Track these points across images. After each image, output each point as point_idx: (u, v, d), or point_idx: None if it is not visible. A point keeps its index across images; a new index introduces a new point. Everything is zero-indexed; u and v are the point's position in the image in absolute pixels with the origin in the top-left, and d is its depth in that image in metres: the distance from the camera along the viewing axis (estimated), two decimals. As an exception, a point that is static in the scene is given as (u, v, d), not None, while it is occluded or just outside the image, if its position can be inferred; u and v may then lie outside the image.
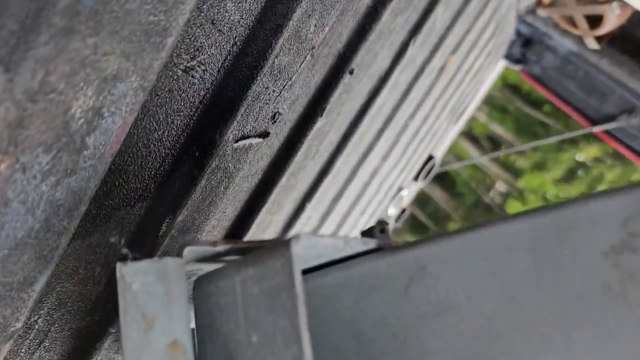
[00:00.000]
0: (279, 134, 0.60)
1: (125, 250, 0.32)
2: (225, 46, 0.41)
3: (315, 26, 0.50)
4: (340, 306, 0.33)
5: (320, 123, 0.67)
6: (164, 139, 0.42)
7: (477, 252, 0.29)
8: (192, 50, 0.38)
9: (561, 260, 0.27)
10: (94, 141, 0.32)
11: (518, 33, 3.01)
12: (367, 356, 0.31)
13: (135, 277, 0.29)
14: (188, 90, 0.41)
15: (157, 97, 0.38)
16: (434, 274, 0.30)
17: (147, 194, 0.45)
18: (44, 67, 0.26)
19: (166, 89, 0.38)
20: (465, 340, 0.28)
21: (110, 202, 0.41)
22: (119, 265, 0.30)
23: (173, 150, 0.44)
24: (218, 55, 0.41)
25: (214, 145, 0.47)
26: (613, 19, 2.32)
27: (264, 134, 0.54)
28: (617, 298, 0.25)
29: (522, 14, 2.79)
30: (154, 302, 0.29)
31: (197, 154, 0.46)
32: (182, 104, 0.41)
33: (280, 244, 0.28)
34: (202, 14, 0.37)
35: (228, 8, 0.38)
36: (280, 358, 0.26)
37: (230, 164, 0.51)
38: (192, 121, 0.44)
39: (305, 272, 0.35)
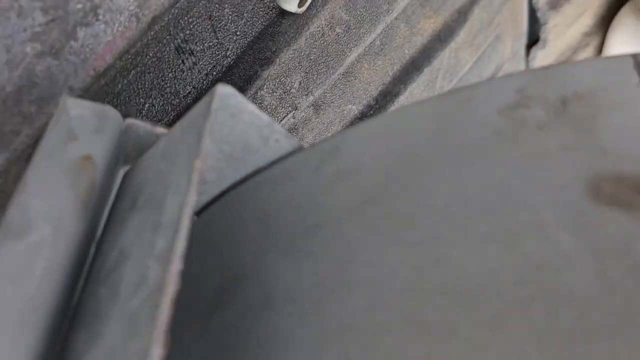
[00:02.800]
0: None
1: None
2: (216, 51, 0.50)
3: (300, 84, 0.59)
4: (253, 202, 0.33)
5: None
6: (142, 111, 0.48)
7: (386, 127, 0.31)
8: (188, 33, 0.47)
9: (459, 122, 0.29)
10: (83, 38, 0.38)
11: None
12: (274, 235, 0.30)
13: (76, 107, 0.32)
14: (175, 72, 0.48)
15: (147, 57, 0.45)
16: (346, 150, 0.31)
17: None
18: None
19: (156, 54, 0.46)
20: (365, 192, 0.28)
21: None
22: (65, 96, 0.33)
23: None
24: (208, 58, 0.50)
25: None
26: None
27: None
28: (508, 139, 0.27)
29: None
30: (84, 128, 0.31)
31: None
32: (168, 83, 0.48)
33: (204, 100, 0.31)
34: (202, 2, 0.46)
35: (226, 13, 0.48)
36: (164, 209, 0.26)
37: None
38: (173, 110, 0.50)
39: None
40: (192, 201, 0.23)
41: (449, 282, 0.22)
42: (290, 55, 0.55)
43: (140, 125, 0.35)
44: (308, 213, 0.30)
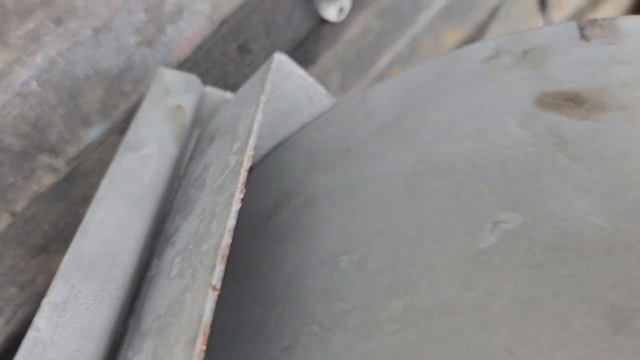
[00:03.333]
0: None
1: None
2: (269, 52, 0.61)
3: (339, 83, 0.69)
4: (300, 144, 0.42)
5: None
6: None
7: (399, 81, 0.41)
8: (248, 35, 0.58)
9: (452, 70, 0.38)
10: (171, 33, 0.50)
11: None
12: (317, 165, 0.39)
13: (169, 74, 0.42)
14: (237, 67, 0.59)
15: (215, 53, 0.57)
16: (370, 99, 0.40)
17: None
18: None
19: (223, 51, 0.57)
20: (383, 122, 0.37)
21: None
22: (160, 66, 0.44)
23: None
24: (262, 57, 0.61)
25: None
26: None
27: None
28: (485, 77, 0.36)
29: None
30: (176, 87, 0.42)
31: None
32: (231, 76, 0.59)
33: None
34: (260, 10, 0.58)
35: (278, 20, 0.60)
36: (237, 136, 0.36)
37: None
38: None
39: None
40: (259, 118, 0.33)
41: (439, 164, 0.31)
42: (329, 58, 0.66)
43: (214, 91, 0.46)
44: (341, 142, 0.39)
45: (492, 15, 0.84)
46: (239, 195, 0.28)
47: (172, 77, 0.42)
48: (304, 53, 0.64)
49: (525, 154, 0.28)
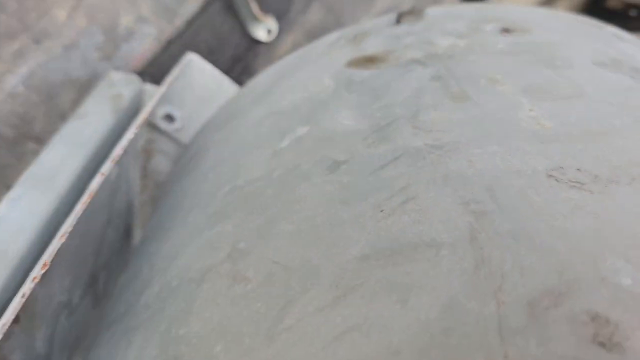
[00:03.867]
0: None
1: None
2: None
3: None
4: (209, 124, 0.57)
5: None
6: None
7: (276, 66, 0.55)
8: (194, 50, 0.74)
9: (307, 53, 0.53)
10: (125, 49, 0.66)
11: None
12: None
13: (115, 74, 0.58)
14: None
15: (163, 68, 0.73)
16: (254, 81, 0.55)
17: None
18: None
19: (168, 68, 0.73)
20: (259, 93, 0.52)
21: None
22: (111, 70, 0.60)
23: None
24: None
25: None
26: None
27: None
28: (327, 54, 0.50)
29: None
30: (119, 82, 0.57)
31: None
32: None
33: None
34: (203, 34, 0.74)
35: (207, 39, 0.76)
36: None
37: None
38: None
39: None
40: (156, 98, 0.48)
41: (278, 109, 0.45)
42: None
43: (151, 87, 0.61)
44: (232, 111, 0.53)
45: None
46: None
47: (117, 76, 0.58)
48: (243, 67, 0.80)
49: (326, 93, 0.42)
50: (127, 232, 0.68)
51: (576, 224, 0.24)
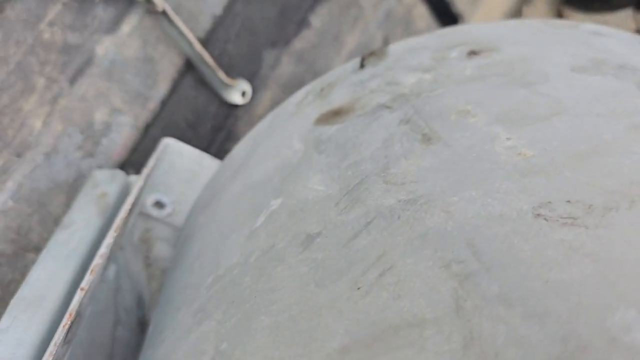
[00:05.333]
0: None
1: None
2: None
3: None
4: (197, 203, 0.55)
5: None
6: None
7: (251, 134, 0.54)
8: (171, 134, 0.74)
9: (278, 116, 0.51)
10: (106, 143, 0.66)
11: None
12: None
13: (99, 173, 0.57)
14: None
15: (145, 155, 0.72)
16: (234, 151, 0.53)
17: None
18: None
19: (148, 155, 0.72)
20: (238, 162, 0.50)
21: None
22: (94, 169, 0.59)
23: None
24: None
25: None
26: None
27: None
28: (295, 114, 0.48)
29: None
30: (103, 180, 0.56)
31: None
32: (170, 165, 0.74)
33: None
34: (178, 118, 0.73)
35: (186, 117, 0.75)
36: None
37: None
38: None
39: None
40: (140, 185, 0.47)
41: (253, 181, 0.43)
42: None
43: (137, 177, 0.60)
44: (215, 189, 0.52)
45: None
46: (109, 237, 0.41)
47: (100, 175, 0.57)
48: (226, 134, 0.79)
49: (297, 158, 0.40)
50: (142, 326, 0.66)
51: (574, 272, 0.21)
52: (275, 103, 0.83)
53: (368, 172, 0.32)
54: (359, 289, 0.25)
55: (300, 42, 0.87)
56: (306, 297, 0.27)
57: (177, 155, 0.55)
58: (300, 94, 0.50)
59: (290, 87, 0.84)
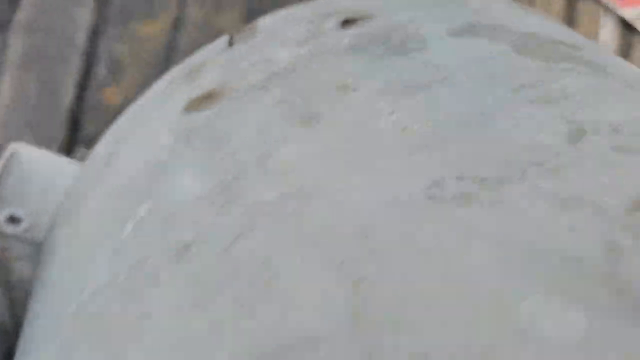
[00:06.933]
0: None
1: None
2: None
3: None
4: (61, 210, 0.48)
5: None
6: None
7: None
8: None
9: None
10: None
11: None
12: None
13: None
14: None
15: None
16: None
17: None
18: None
19: None
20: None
21: None
22: None
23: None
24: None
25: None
26: None
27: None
28: (165, 99, 0.43)
29: None
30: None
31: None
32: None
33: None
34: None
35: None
36: None
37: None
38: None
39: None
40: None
41: (110, 190, 0.37)
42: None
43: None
44: (75, 200, 0.45)
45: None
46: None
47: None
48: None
49: (165, 153, 0.34)
50: (9, 357, 0.57)
51: (474, 258, 0.19)
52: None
53: (245, 164, 0.28)
54: (242, 306, 0.21)
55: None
56: (184, 321, 0.23)
57: (29, 161, 0.47)
58: (166, 79, 0.44)
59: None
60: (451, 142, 0.25)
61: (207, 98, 0.37)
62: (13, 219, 0.50)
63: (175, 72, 0.44)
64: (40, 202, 0.51)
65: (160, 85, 0.44)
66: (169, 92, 0.41)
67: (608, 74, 0.32)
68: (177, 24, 0.66)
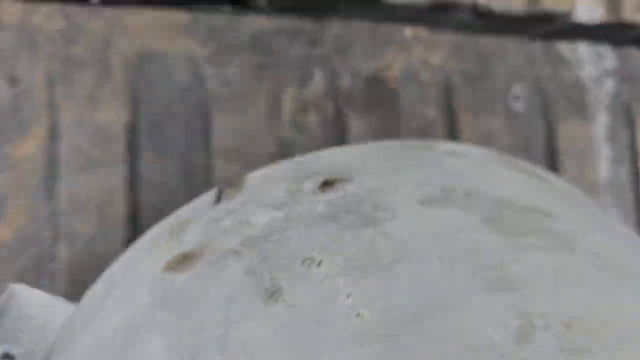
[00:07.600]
0: None
1: None
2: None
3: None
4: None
5: None
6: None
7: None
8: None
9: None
10: None
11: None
12: None
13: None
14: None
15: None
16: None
17: None
18: None
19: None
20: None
21: None
22: None
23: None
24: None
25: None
26: None
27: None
28: (144, 257, 0.44)
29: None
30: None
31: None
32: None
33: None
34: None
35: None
36: None
37: None
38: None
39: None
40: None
41: (91, 343, 0.37)
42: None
43: None
44: (61, 346, 0.45)
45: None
46: None
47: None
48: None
49: (141, 314, 0.35)
50: None
51: None
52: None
53: (205, 341, 0.29)
54: None
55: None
56: None
57: (26, 302, 0.49)
58: (155, 230, 0.46)
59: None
60: (400, 334, 0.25)
61: (186, 259, 0.38)
62: (7, 356, 0.50)
63: (165, 224, 0.46)
64: (36, 341, 0.51)
65: (151, 233, 0.46)
66: (156, 245, 0.43)
67: (576, 250, 0.32)
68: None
